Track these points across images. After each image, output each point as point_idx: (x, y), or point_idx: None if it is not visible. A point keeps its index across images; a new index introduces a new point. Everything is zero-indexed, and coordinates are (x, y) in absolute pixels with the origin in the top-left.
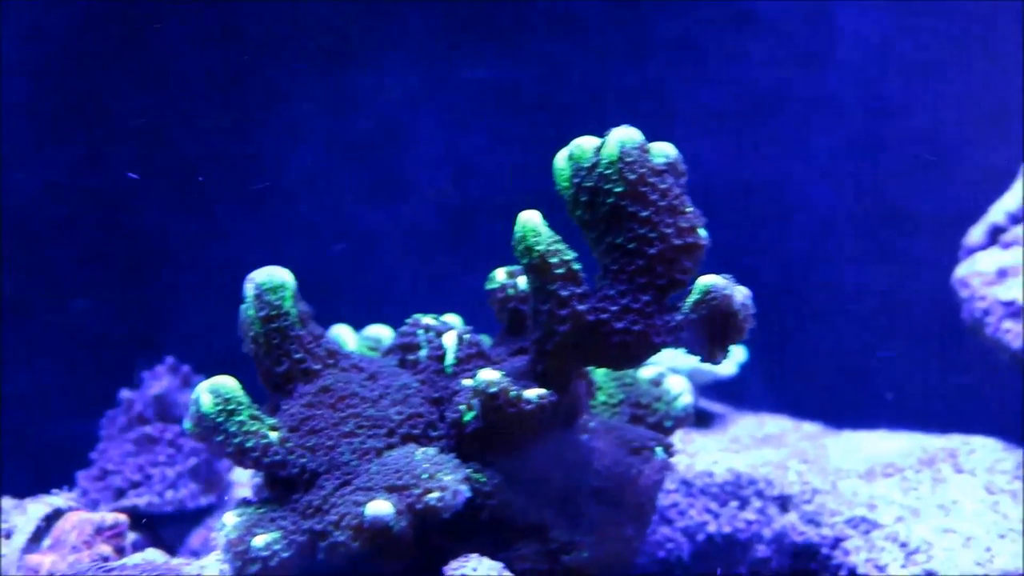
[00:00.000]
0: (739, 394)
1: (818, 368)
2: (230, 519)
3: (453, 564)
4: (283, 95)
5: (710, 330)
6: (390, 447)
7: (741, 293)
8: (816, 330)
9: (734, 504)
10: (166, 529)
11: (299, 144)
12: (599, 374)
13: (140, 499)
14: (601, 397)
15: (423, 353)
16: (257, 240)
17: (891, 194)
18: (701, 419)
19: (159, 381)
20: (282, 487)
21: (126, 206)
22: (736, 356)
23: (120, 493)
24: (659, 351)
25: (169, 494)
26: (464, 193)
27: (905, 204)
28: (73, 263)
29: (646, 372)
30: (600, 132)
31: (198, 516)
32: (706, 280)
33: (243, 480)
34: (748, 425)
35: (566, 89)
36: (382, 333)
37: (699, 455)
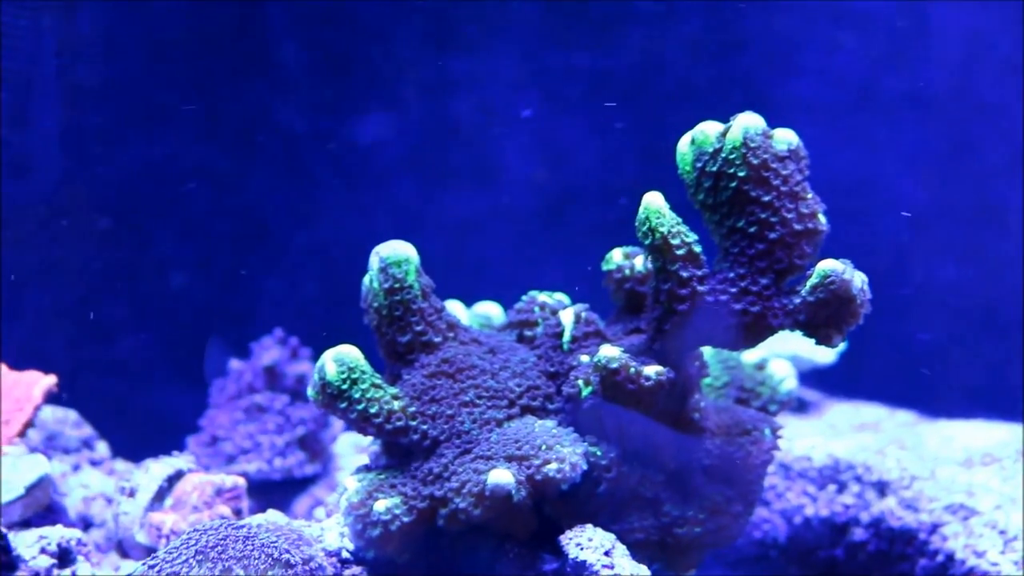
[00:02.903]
0: (835, 382)
1: (913, 360)
2: (352, 483)
3: (568, 534)
4: (385, 78)
5: (827, 314)
6: (510, 418)
7: (860, 279)
8: (910, 323)
9: (832, 488)
10: (272, 496)
11: (399, 127)
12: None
13: (250, 465)
14: (706, 380)
15: (540, 330)
16: (356, 220)
17: (984, 191)
18: (798, 406)
19: (268, 352)
20: (402, 454)
21: (232, 184)
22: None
23: (230, 459)
24: (776, 333)
25: (278, 462)
26: (559, 179)
27: (998, 201)
28: (182, 239)
29: (750, 356)
30: (693, 123)
31: (304, 484)
32: (826, 265)
33: (345, 452)
34: (844, 412)
35: (660, 79)
36: (492, 311)
37: (797, 440)
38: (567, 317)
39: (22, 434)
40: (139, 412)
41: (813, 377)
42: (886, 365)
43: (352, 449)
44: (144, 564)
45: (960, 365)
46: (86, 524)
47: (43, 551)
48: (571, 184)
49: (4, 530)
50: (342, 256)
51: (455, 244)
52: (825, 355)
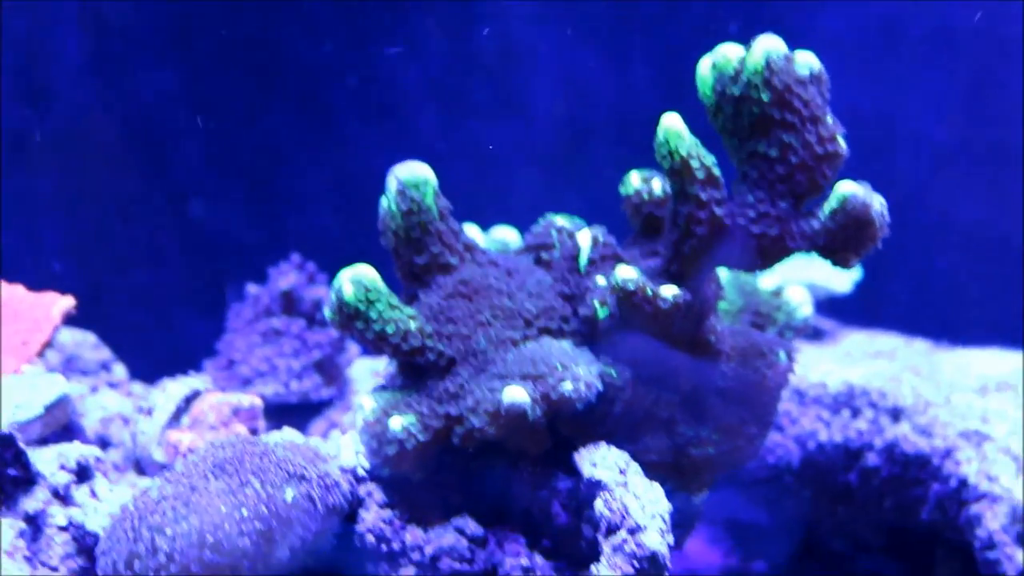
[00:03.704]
0: (851, 312)
1: (930, 290)
2: (368, 402)
3: (582, 452)
4: (405, 9)
5: (845, 237)
6: (526, 339)
7: (878, 202)
8: (927, 254)
9: (846, 413)
10: (288, 419)
11: (419, 58)
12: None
13: (266, 388)
14: (722, 305)
15: (556, 252)
16: (375, 151)
17: (1006, 128)
18: (813, 334)
19: (285, 277)
20: (417, 374)
21: (251, 114)
22: (852, 274)
23: (247, 382)
24: (793, 255)
25: (294, 385)
26: (580, 110)
27: (1019, 138)
28: (201, 168)
29: (766, 282)
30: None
31: (319, 408)
32: (845, 188)
33: (361, 377)
34: (859, 341)
35: (682, 10)
36: (509, 236)
37: (812, 367)
38: (584, 239)
39: (40, 354)
40: (157, 337)
41: (829, 306)
42: (903, 295)
43: (368, 374)
44: (162, 477)
45: (977, 295)
46: (104, 444)
47: (62, 467)
48: (592, 115)
49: (23, 447)
50: (361, 186)
51: (474, 176)
52: (841, 284)
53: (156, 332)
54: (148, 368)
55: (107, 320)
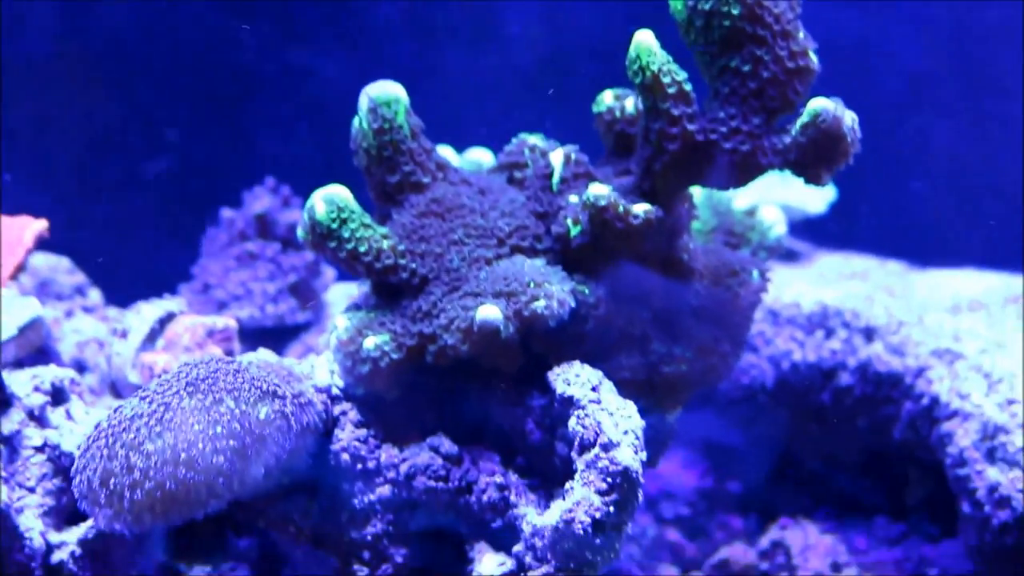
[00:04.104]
0: (825, 234)
1: (904, 213)
2: (341, 322)
3: (556, 370)
4: None
5: (817, 152)
6: (499, 257)
7: (850, 117)
8: (902, 179)
9: (820, 334)
10: (264, 343)
11: None
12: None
13: (241, 312)
14: (696, 224)
15: (529, 171)
16: (351, 76)
17: (984, 53)
18: (787, 255)
19: (260, 200)
20: (391, 293)
21: (227, 40)
22: (827, 195)
23: (222, 306)
24: (765, 172)
25: (270, 308)
26: (554, 36)
27: (997, 62)
28: (172, 95)
29: (740, 202)
30: None
31: (295, 332)
32: (817, 103)
33: (337, 301)
34: (833, 262)
35: None
36: (482, 157)
37: (786, 288)
38: (557, 158)
39: (14, 277)
40: (131, 263)
41: (803, 228)
42: (877, 217)
43: (344, 299)
44: (136, 396)
45: (951, 217)
46: (80, 368)
47: (36, 389)
48: (567, 38)
49: None
50: (336, 112)
51: (449, 101)
52: (816, 205)
53: (130, 258)
54: (123, 293)
55: (81, 246)
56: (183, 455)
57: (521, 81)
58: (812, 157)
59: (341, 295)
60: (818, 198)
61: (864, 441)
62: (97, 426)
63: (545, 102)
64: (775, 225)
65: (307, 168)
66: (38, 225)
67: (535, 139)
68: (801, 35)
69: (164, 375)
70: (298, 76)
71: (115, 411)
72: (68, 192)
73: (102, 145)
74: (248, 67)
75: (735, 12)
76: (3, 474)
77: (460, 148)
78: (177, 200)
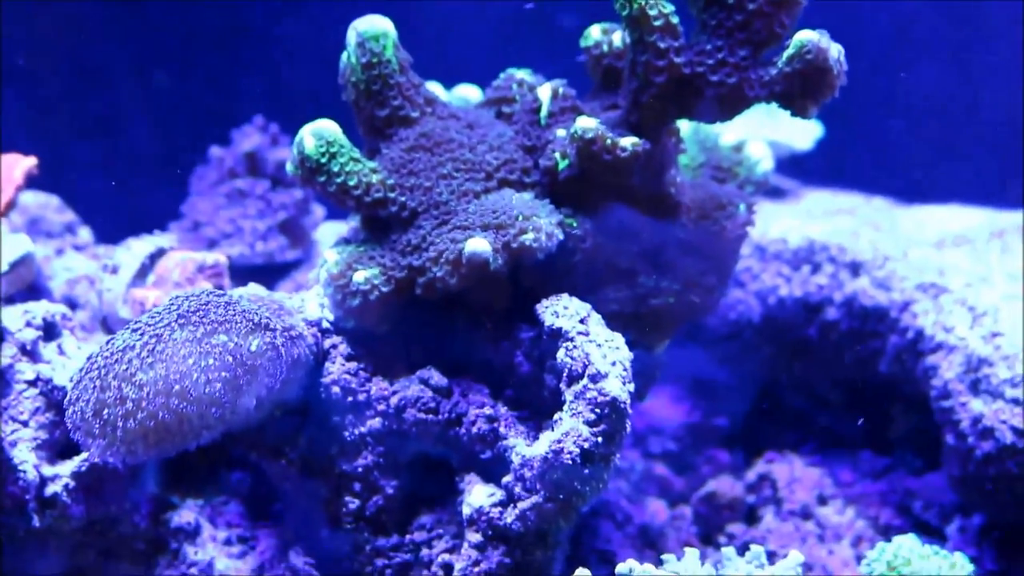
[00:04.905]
0: (812, 171)
1: (890, 149)
2: (331, 256)
3: (544, 303)
4: None
5: (803, 85)
6: (487, 191)
7: (836, 49)
8: (888, 115)
9: (806, 269)
10: (254, 280)
11: None
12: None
13: (232, 249)
14: (683, 160)
15: (517, 106)
16: (339, 14)
17: None
18: (774, 192)
19: (249, 138)
20: (380, 228)
21: None
22: (813, 132)
23: (212, 244)
24: (752, 105)
25: (259, 246)
26: None
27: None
28: (161, 33)
29: (727, 138)
30: None
31: (285, 269)
32: (803, 35)
33: (327, 239)
34: (820, 199)
35: None
36: (470, 93)
37: (772, 224)
38: (544, 92)
39: (4, 214)
40: (120, 202)
41: (790, 165)
42: (863, 154)
43: (333, 237)
44: (128, 328)
45: (936, 154)
46: (71, 305)
47: (28, 324)
48: None
49: None
50: (322, 48)
51: (435, 37)
52: (802, 141)
53: (120, 197)
54: (113, 232)
55: (71, 185)
56: (175, 386)
57: (507, 15)
58: (798, 89)
59: (330, 233)
60: (805, 135)
61: (850, 375)
62: (89, 358)
63: (532, 38)
64: (762, 160)
65: (295, 106)
66: (27, 162)
67: (523, 74)
68: None
69: (155, 308)
70: (284, 12)
71: (107, 343)
72: (57, 130)
73: (91, 83)
74: (235, 3)
75: None
76: None
77: (447, 85)
78: (165, 138)
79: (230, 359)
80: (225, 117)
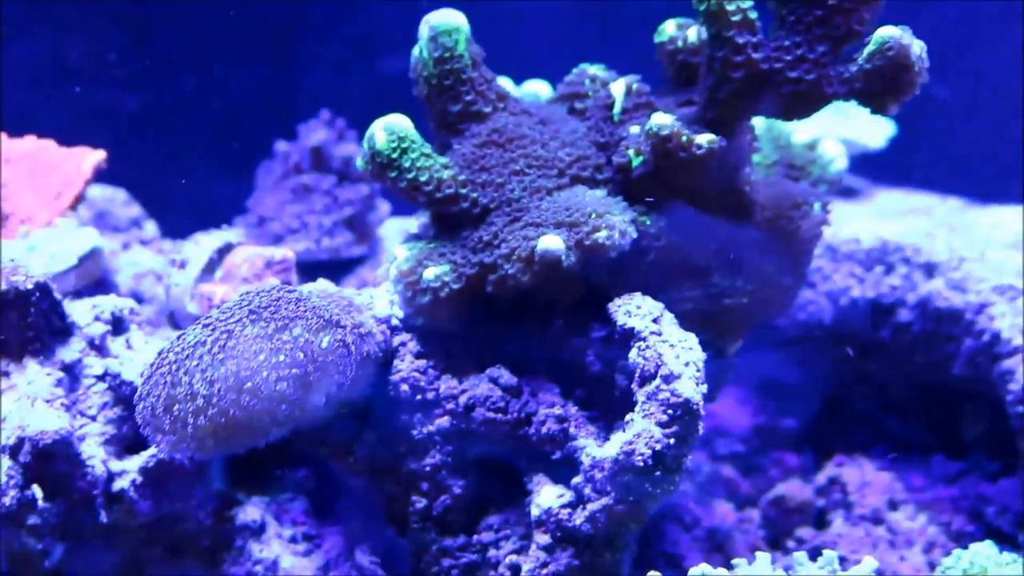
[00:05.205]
0: (883, 169)
1: (964, 149)
2: (401, 252)
3: (617, 301)
4: None
5: (884, 82)
6: (559, 187)
7: (918, 45)
8: (962, 114)
9: (879, 269)
10: (319, 276)
11: None
12: None
13: (297, 245)
14: (757, 158)
15: (590, 102)
16: (402, 8)
17: None
18: (845, 191)
19: (315, 133)
20: (451, 224)
21: None
22: (886, 130)
23: (277, 239)
24: (830, 102)
25: (325, 241)
26: None
27: None
28: (228, 27)
29: (800, 136)
30: None
31: (349, 265)
32: (884, 31)
33: (392, 236)
34: (892, 199)
35: None
36: (540, 89)
37: (844, 223)
38: (618, 88)
39: (73, 208)
40: (186, 196)
41: (861, 165)
42: (936, 153)
43: (398, 233)
44: (199, 324)
45: (1011, 154)
46: (137, 300)
47: (97, 319)
48: None
49: (59, 297)
50: (387, 44)
51: (501, 34)
52: (875, 140)
53: (185, 191)
54: (178, 226)
55: (137, 180)
56: (246, 382)
57: (577, 10)
58: (879, 87)
59: (395, 229)
60: (878, 133)
61: (922, 378)
62: (160, 353)
63: (601, 32)
64: (836, 159)
65: (360, 100)
66: (96, 156)
67: (595, 69)
68: None
69: (225, 304)
70: (349, 4)
71: (178, 339)
72: (123, 124)
73: (156, 76)
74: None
75: None
76: (65, 402)
77: (513, 78)
78: (230, 132)
79: (301, 356)
80: (289, 110)
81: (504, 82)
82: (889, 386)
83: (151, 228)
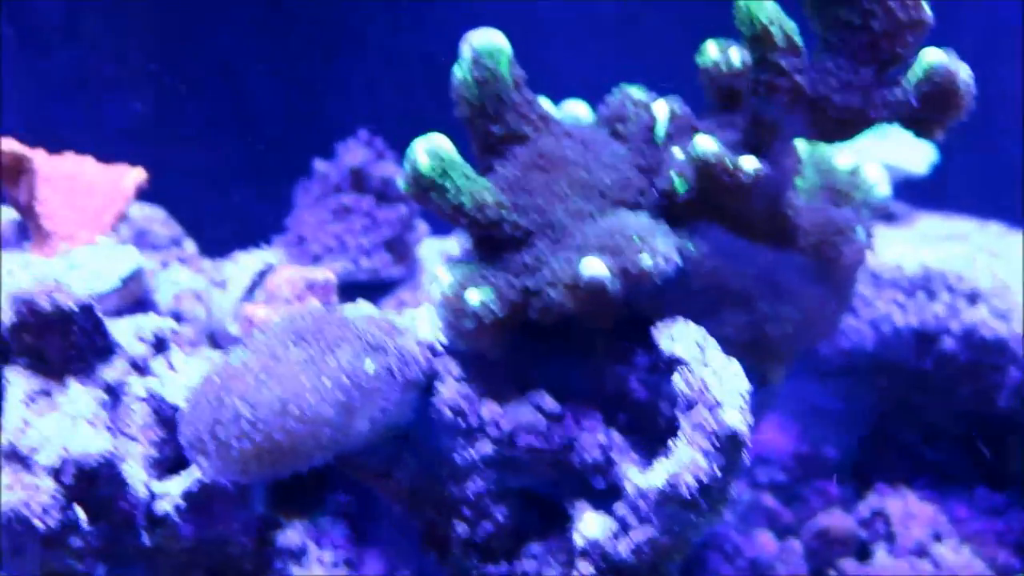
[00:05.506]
0: (923, 194)
1: (1005, 173)
2: (444, 276)
3: (660, 327)
4: None
5: (931, 107)
6: (602, 211)
7: (965, 70)
8: (1000, 139)
9: (922, 297)
10: (358, 296)
11: None
12: None
13: (335, 265)
14: (798, 182)
15: (632, 125)
16: (437, 27)
17: None
18: (885, 216)
19: (354, 153)
20: (493, 247)
21: None
22: (928, 155)
23: (316, 259)
24: (874, 126)
25: (364, 262)
26: None
27: None
28: (264, 45)
29: (843, 160)
30: None
31: (388, 286)
32: (930, 56)
33: (430, 256)
34: (933, 224)
35: None
36: (580, 110)
37: (885, 249)
38: (661, 111)
39: (114, 227)
40: (223, 215)
41: (901, 188)
42: (976, 177)
43: (436, 254)
44: (244, 346)
45: None
46: (177, 319)
47: (139, 339)
48: None
49: (101, 316)
50: (424, 62)
51: (536, 52)
52: (917, 165)
53: (222, 209)
54: (216, 245)
55: (173, 197)
56: (291, 407)
57: (611, 29)
58: (925, 111)
59: (433, 250)
60: (921, 158)
61: (966, 409)
62: (206, 376)
63: (636, 51)
64: (879, 184)
65: (398, 119)
66: (138, 174)
67: (636, 91)
68: None
69: (270, 326)
70: (386, 22)
71: (223, 361)
72: (159, 141)
73: (192, 94)
74: (338, 17)
75: None
76: (108, 423)
77: (553, 100)
78: (268, 151)
79: (346, 381)
80: (327, 129)
81: (544, 103)
82: (932, 416)
83: (190, 246)
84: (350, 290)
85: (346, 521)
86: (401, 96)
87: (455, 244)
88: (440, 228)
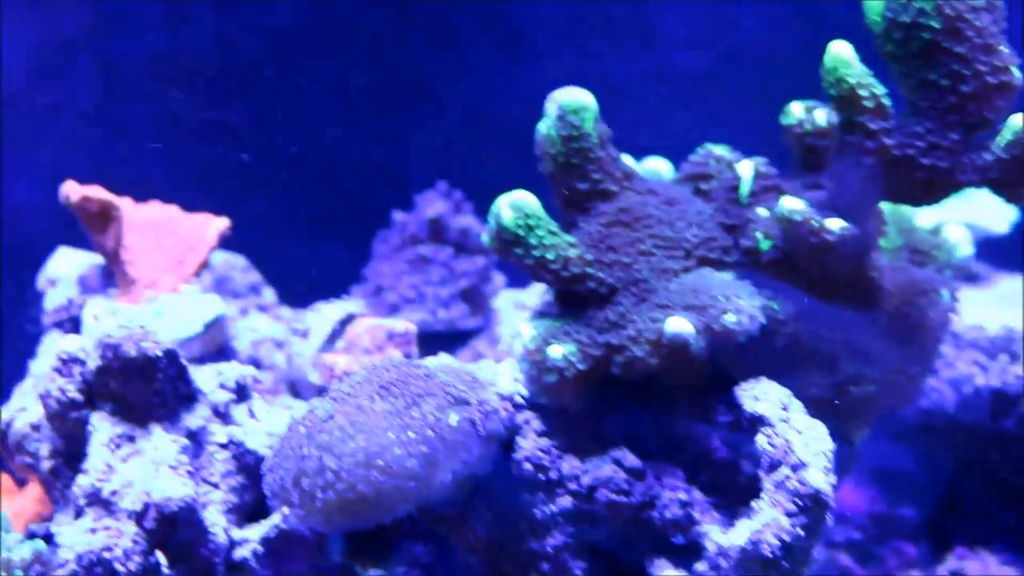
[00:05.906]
0: (1005, 255)
1: None
2: (527, 330)
3: (743, 386)
4: None
5: (1019, 172)
6: (686, 269)
7: None
8: None
9: (1004, 358)
10: (434, 347)
11: None
12: None
13: (413, 315)
14: (882, 242)
15: (715, 183)
16: (512, 80)
17: None
18: (966, 276)
19: (433, 204)
20: (576, 302)
21: (388, 39)
22: (1009, 215)
23: (394, 309)
24: (962, 189)
25: (441, 313)
26: (722, 40)
27: None
28: (341, 97)
29: (924, 220)
30: None
31: (464, 337)
32: (1020, 120)
33: (506, 307)
34: (1015, 285)
35: None
36: (661, 167)
37: (967, 310)
38: (745, 169)
39: (197, 274)
40: (301, 263)
41: (983, 249)
42: None
43: (512, 305)
44: (328, 397)
45: None
46: (256, 366)
47: (221, 386)
48: (734, 46)
49: (185, 363)
50: (499, 115)
51: (614, 106)
52: (999, 225)
53: (301, 259)
54: (294, 294)
55: (253, 246)
56: (376, 459)
57: (689, 88)
58: (1014, 176)
59: (509, 301)
60: (1002, 218)
61: None
62: (291, 426)
63: (717, 110)
64: (961, 244)
65: (477, 171)
66: (221, 223)
67: (720, 150)
68: (1004, 49)
69: (354, 377)
70: (468, 78)
71: (309, 412)
72: (242, 190)
73: (274, 143)
74: (419, 71)
75: (935, 25)
76: (190, 469)
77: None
78: (347, 201)
79: (430, 433)
80: (406, 180)
81: (627, 160)
82: (1013, 478)
83: (269, 295)
84: (427, 340)
85: (423, 571)
86: (480, 150)
87: (532, 296)
88: (517, 280)
